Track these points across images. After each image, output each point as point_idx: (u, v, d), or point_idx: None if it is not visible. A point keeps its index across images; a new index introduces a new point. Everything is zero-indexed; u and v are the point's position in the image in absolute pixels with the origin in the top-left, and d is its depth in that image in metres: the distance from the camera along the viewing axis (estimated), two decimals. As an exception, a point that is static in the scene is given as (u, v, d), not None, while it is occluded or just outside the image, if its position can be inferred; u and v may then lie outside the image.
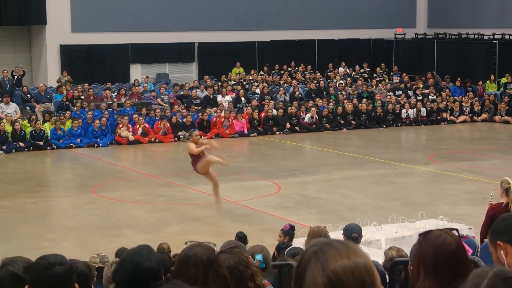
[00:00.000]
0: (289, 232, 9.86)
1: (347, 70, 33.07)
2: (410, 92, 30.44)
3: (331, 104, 27.91)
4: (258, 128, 26.41)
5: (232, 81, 30.42)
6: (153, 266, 3.59)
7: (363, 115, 27.81)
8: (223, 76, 30.43)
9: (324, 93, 29.71)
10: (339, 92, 29.54)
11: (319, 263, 2.33)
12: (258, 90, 29.47)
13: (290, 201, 16.09)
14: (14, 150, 22.89)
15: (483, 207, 10.90)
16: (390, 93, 30.12)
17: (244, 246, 6.48)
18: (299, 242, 10.01)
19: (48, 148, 23.46)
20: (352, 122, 27.60)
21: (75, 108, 25.72)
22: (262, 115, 26.85)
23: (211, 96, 28.11)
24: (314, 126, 27.01)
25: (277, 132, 26.40)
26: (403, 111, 28.40)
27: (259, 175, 18.92)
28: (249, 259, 4.12)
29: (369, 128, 27.43)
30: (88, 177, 19.35)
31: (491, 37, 31.44)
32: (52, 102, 26.47)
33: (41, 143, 23.36)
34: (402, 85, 31.08)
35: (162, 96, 28.07)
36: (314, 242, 2.45)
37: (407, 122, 28.27)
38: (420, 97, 29.64)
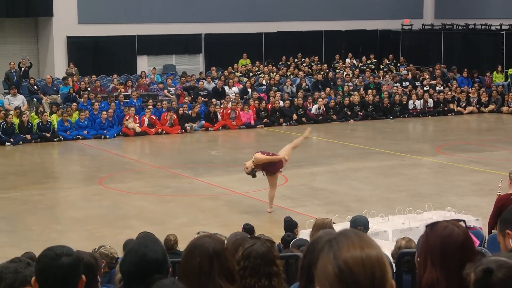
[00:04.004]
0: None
1: (354, 61, 33.01)
2: (417, 83, 30.38)
3: (338, 96, 27.87)
4: (266, 120, 26.37)
5: (239, 73, 30.39)
6: (158, 257, 3.61)
7: (370, 107, 27.77)
8: (230, 67, 30.40)
9: (332, 83, 29.67)
10: (345, 84, 29.49)
11: (332, 251, 2.34)
12: (264, 82, 29.46)
13: (297, 192, 16.08)
14: (21, 142, 22.95)
15: (491, 198, 10.88)
16: (397, 84, 30.06)
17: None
18: (305, 233, 10.03)
19: (55, 139, 23.50)
20: (359, 113, 27.57)
21: (82, 99, 25.76)
22: (269, 106, 26.84)
23: (220, 89, 28.02)
24: (321, 117, 26.99)
25: (284, 124, 26.38)
26: (410, 102, 28.35)
27: (266, 166, 18.90)
28: (276, 260, 4.10)
29: (376, 120, 27.39)
30: (95, 168, 19.38)
31: (499, 27, 31.33)
32: (59, 94, 26.51)
33: (48, 134, 23.40)
34: (409, 76, 31.01)
35: (168, 88, 28.07)
36: (328, 231, 2.46)
37: (414, 113, 28.22)
38: (427, 88, 29.57)
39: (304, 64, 31.86)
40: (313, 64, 32.00)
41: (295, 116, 26.63)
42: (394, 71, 32.08)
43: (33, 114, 24.29)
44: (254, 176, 14.27)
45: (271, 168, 14.26)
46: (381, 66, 32.53)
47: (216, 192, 16.37)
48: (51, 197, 16.51)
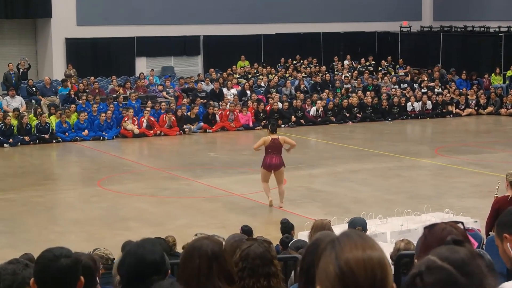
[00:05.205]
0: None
1: (353, 63, 33.02)
2: (415, 85, 30.39)
3: (337, 98, 27.87)
4: (264, 121, 26.35)
5: (237, 75, 30.39)
6: (156, 259, 3.60)
7: (369, 108, 27.78)
8: (228, 69, 30.40)
9: (330, 86, 29.68)
10: (344, 85, 29.50)
11: (334, 252, 2.34)
12: (263, 83, 29.47)
13: (295, 194, 16.08)
14: (19, 144, 22.94)
15: (489, 200, 10.88)
16: (396, 86, 30.07)
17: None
18: (303, 235, 10.03)
19: (54, 141, 23.49)
20: (358, 115, 27.58)
21: (80, 101, 25.75)
22: (268, 108, 26.84)
23: (217, 91, 28.01)
24: (320, 119, 26.99)
25: (283, 125, 26.36)
26: (409, 104, 28.36)
27: (264, 168, 18.88)
28: (274, 260, 4.11)
29: (375, 121, 27.40)
30: (93, 170, 19.38)
31: (497, 30, 31.34)
32: (58, 96, 26.50)
33: (46, 136, 23.39)
34: (408, 78, 31.02)
35: (167, 89, 28.07)
36: (327, 233, 2.45)
37: (413, 115, 28.23)
38: (426, 90, 29.58)
39: (303, 66, 31.86)
40: (311, 66, 32.00)
41: (293, 118, 26.63)
42: (393, 73, 32.08)
43: (31, 115, 24.27)
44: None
45: (271, 159, 14.81)
46: (380, 68, 32.54)
47: (215, 194, 16.37)
48: (50, 198, 16.50)
